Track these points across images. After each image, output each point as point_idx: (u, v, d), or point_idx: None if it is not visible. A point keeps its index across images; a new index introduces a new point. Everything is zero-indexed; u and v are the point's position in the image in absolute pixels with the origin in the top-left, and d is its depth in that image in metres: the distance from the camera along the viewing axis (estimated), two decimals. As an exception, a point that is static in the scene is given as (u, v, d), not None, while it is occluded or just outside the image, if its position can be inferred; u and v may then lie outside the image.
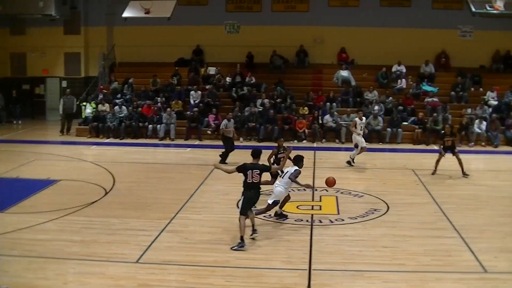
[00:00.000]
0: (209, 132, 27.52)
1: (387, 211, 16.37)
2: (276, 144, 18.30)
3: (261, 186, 13.94)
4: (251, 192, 13.66)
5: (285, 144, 18.43)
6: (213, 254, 12.85)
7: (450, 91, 29.69)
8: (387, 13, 31.09)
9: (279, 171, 15.83)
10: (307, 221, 15.41)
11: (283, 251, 13.22)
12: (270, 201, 14.92)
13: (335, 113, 27.75)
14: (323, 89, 30.04)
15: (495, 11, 26.38)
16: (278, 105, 29.12)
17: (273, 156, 17.41)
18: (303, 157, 15.67)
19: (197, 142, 27.56)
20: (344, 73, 30.58)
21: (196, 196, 17.76)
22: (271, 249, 13.35)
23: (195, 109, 28.81)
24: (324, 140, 27.28)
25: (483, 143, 26.72)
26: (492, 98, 29.13)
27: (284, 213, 15.56)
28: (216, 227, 14.71)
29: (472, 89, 30.30)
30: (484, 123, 27.13)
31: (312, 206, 16.88)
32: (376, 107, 27.86)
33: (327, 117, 27.53)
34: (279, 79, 30.68)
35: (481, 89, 30.24)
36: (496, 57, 31.73)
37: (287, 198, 15.47)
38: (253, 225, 13.76)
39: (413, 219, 15.74)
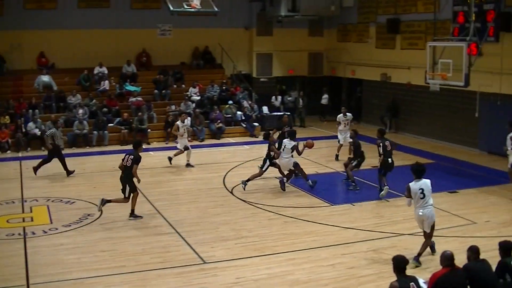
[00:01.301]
0: None
1: (101, 214, 16.01)
2: None
3: None
4: None
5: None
6: None
7: (154, 90, 30.00)
8: (85, 14, 30.40)
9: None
10: (19, 234, 14.52)
11: (-4, 269, 12.32)
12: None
13: (39, 120, 26.51)
14: (24, 96, 28.48)
15: (192, 9, 27.14)
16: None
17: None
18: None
19: None
20: (45, 78, 29.35)
21: None
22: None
23: None
24: (29, 148, 25.89)
25: (189, 138, 27.33)
26: (194, 94, 29.99)
27: None
28: None
29: (175, 86, 30.93)
30: (189, 118, 27.82)
31: (23, 218, 15.97)
32: (81, 111, 27.13)
33: (31, 124, 26.20)
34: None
35: (183, 85, 31.00)
36: (196, 53, 32.74)
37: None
38: None
39: (128, 220, 15.60)
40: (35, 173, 20.58)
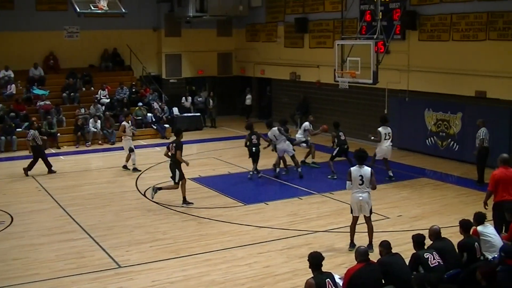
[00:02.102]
0: None
1: (11, 222, 15.77)
2: None
3: None
4: None
5: None
6: None
7: (62, 93, 29.51)
8: (-11, 17, 29.64)
9: None
10: None
11: None
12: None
13: None
14: None
15: (99, 11, 26.83)
16: None
17: None
18: None
19: None
20: None
21: None
22: None
23: None
24: None
25: (100, 142, 27.17)
26: (104, 96, 29.70)
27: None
28: None
29: (84, 88, 30.53)
30: (99, 121, 27.60)
31: None
32: (-13, 116, 26.49)
33: None
34: None
35: (92, 88, 30.65)
36: (104, 55, 32.40)
37: None
38: None
39: (40, 226, 15.45)
40: (26, 174, 20.97)
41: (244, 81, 35.18)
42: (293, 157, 20.15)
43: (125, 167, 21.89)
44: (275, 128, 20.02)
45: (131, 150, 21.83)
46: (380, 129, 19.49)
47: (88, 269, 12.49)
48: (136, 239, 14.41)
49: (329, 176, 19.93)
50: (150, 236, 14.58)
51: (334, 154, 20.21)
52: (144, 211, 16.81)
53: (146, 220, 15.93)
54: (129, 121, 22.60)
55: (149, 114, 29.46)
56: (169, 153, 17.20)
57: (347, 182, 13.00)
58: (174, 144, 17.12)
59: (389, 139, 19.51)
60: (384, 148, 19.50)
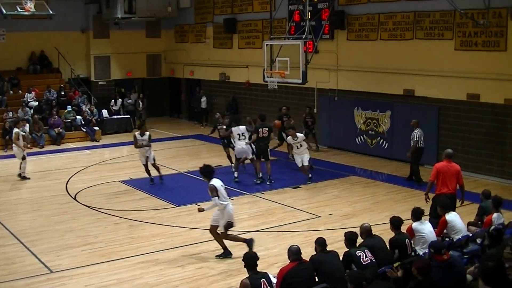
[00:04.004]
0: None
1: None
2: None
3: None
4: None
5: None
6: None
7: (-12, 96, 28.90)
8: None
9: None
10: None
11: None
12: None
13: None
14: None
15: (26, 13, 26.40)
16: None
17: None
18: None
19: None
20: None
21: None
22: None
23: None
24: None
25: (29, 145, 26.55)
26: (31, 99, 29.17)
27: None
28: None
29: (11, 92, 29.90)
30: (27, 125, 27.04)
31: None
32: None
33: None
34: None
35: (20, 91, 30.02)
36: (32, 58, 31.78)
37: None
38: None
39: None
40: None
41: (174, 82, 35.11)
42: (252, 160, 20.00)
43: (24, 177, 20.91)
44: (243, 127, 19.94)
45: (23, 158, 21.06)
46: (233, 128, 19.80)
47: (19, 275, 12.27)
48: (67, 243, 14.23)
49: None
50: (81, 240, 14.43)
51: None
52: (74, 214, 16.61)
53: (77, 224, 15.75)
54: (21, 128, 21.59)
55: (78, 117, 29.07)
56: (261, 136, 19.03)
57: (216, 199, 12.74)
58: (267, 128, 19.21)
59: (244, 139, 19.58)
60: (239, 148, 19.68)
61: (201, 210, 13.12)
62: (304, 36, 21.05)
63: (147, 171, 19.68)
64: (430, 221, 12.15)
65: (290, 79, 21.53)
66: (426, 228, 11.08)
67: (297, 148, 19.27)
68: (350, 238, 10.07)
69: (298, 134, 19.38)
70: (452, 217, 11.67)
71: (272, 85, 22.45)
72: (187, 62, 33.49)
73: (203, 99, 32.03)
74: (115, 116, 30.77)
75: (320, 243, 9.82)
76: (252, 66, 27.90)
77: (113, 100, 31.90)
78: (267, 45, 22.53)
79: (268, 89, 23.56)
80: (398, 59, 22.03)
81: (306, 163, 19.29)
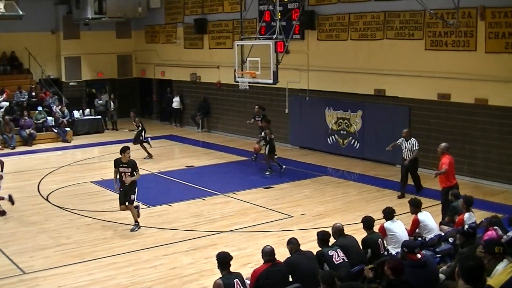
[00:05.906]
0: None
1: None
2: None
3: None
4: None
5: None
6: None
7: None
8: None
9: None
10: None
11: None
12: None
13: None
14: None
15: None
16: None
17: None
18: None
19: None
20: None
21: None
22: None
23: None
24: None
25: (0, 147, 26.51)
26: (2, 100, 28.94)
27: None
28: None
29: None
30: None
31: None
32: None
33: None
34: None
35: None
36: (2, 58, 31.54)
37: None
38: None
39: None
40: None
41: (144, 83, 35.08)
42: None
43: None
44: None
45: None
46: None
47: (-8, 276, 12.26)
48: (40, 244, 14.19)
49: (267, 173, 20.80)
50: (54, 241, 14.40)
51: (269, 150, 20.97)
52: (47, 215, 16.56)
53: (50, 225, 15.71)
54: None
55: (49, 118, 28.92)
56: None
57: None
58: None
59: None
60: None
61: None
62: (274, 36, 21.07)
63: None
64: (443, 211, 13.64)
65: (261, 79, 21.50)
66: (398, 228, 11.23)
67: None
68: (322, 237, 10.09)
69: None
70: (424, 216, 11.88)
71: (243, 86, 22.45)
72: (158, 63, 33.45)
73: (176, 99, 32.02)
74: (86, 117, 30.68)
75: (294, 243, 9.83)
76: (223, 67, 27.91)
77: (84, 106, 31.77)
78: (237, 45, 22.52)
79: (240, 89, 23.55)
80: (369, 59, 22.21)
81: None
